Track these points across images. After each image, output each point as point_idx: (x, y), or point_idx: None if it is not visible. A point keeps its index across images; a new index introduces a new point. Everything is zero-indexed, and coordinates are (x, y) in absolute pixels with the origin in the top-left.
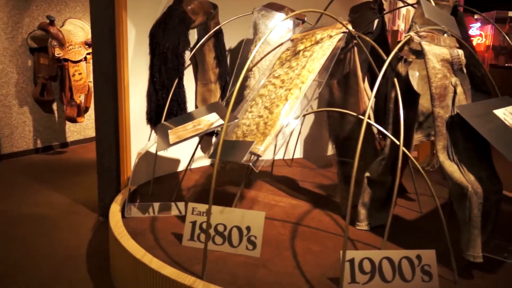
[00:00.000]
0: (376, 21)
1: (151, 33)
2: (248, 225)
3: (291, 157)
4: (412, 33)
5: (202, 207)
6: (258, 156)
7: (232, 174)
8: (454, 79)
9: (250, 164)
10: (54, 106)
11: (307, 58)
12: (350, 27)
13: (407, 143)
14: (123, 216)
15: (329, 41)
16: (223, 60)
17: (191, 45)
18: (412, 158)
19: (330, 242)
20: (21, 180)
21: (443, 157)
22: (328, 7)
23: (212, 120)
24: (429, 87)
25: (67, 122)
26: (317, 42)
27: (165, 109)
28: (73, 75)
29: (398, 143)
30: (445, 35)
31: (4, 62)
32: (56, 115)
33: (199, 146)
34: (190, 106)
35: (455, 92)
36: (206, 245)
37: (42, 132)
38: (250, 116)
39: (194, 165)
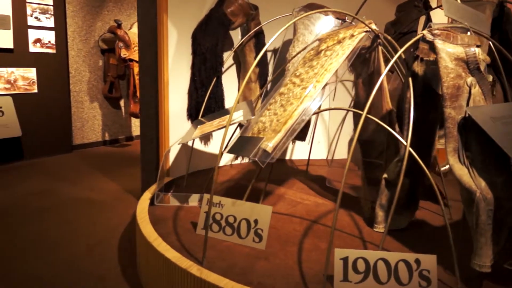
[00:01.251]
0: (422, 19)
1: (193, 34)
2: (256, 218)
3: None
4: (425, 31)
5: (216, 199)
6: (267, 152)
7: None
8: (470, 79)
9: (256, 159)
10: (121, 103)
11: (327, 58)
12: (374, 26)
13: (428, 146)
14: (153, 204)
15: (350, 40)
16: (262, 60)
17: (235, 45)
18: (437, 162)
19: (341, 241)
20: (85, 168)
21: (452, 160)
22: (362, 6)
23: (235, 117)
24: (441, 87)
25: (131, 117)
26: (339, 42)
27: (203, 106)
28: (137, 74)
29: (405, 143)
30: (468, 33)
31: (78, 62)
32: (123, 110)
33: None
34: (230, 104)
35: (470, 93)
36: (207, 233)
37: (110, 126)
38: (267, 113)
39: (236, 161)
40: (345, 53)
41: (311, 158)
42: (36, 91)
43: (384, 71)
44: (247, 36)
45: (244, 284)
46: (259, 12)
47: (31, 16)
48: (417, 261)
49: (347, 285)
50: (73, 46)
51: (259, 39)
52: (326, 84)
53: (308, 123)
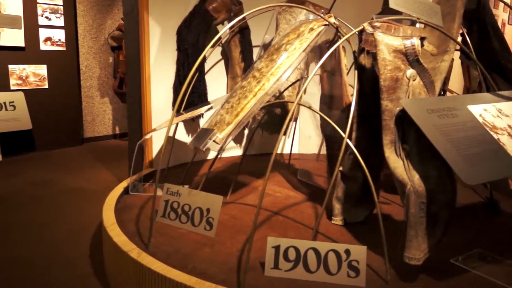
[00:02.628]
0: None
1: (177, 31)
2: (208, 207)
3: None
4: (365, 24)
5: (175, 188)
6: (217, 143)
7: (249, 164)
8: (410, 71)
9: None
10: None
11: (286, 52)
12: (333, 20)
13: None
14: (128, 192)
15: (308, 34)
16: (247, 55)
17: (223, 41)
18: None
19: (293, 232)
20: (90, 160)
21: (389, 152)
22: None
23: (203, 108)
24: (379, 80)
25: None
26: (298, 35)
27: (184, 100)
28: None
29: (344, 135)
30: (418, 25)
31: (88, 59)
32: None
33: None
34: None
35: (409, 85)
36: (152, 219)
37: (120, 120)
38: (227, 106)
39: (225, 154)
40: (302, 47)
41: (302, 152)
42: (47, 86)
43: (318, 62)
44: (230, 31)
45: (179, 268)
46: (243, 8)
47: (42, 16)
48: (347, 252)
49: (277, 273)
50: (84, 44)
51: (244, 34)
52: (299, 80)
53: (284, 117)
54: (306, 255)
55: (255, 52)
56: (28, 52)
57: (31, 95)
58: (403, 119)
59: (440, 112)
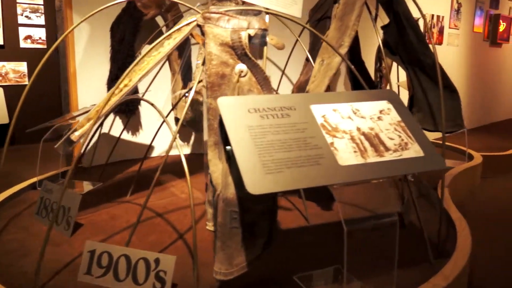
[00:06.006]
0: None
1: (110, 28)
2: (69, 206)
3: None
4: (198, 15)
5: (50, 185)
6: (73, 140)
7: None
8: (238, 67)
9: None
10: None
11: (159, 50)
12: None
13: None
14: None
15: (177, 33)
16: (184, 52)
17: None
18: None
19: (166, 235)
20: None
21: (211, 155)
22: None
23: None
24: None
25: None
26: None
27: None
28: None
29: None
30: (267, 17)
31: None
32: None
33: (178, 135)
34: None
35: (239, 82)
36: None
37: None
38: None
39: (174, 153)
40: (170, 44)
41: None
42: (27, 83)
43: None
44: (162, 26)
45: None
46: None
47: (22, 15)
48: (157, 261)
49: (89, 278)
50: None
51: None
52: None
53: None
54: (118, 262)
55: (194, 49)
56: (8, 50)
57: (11, 91)
58: None
59: (268, 112)
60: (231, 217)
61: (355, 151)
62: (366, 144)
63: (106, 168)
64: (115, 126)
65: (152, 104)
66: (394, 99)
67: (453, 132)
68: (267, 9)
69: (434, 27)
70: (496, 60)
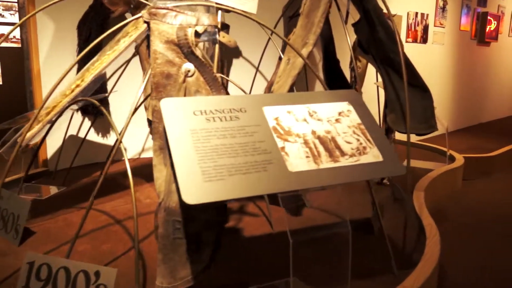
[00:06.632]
0: None
1: (77, 26)
2: (18, 213)
3: None
4: (144, 11)
5: (3, 192)
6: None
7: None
8: (185, 66)
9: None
10: None
11: (114, 48)
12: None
13: None
14: None
15: (133, 31)
16: None
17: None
18: None
19: (120, 243)
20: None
21: (156, 160)
22: None
23: None
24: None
25: None
26: (127, 33)
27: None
28: None
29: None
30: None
31: None
32: None
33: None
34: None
35: (186, 82)
36: None
37: None
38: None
39: (146, 155)
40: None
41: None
42: (0, 83)
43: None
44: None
45: None
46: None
47: None
48: (97, 274)
49: None
50: None
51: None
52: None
53: None
54: (57, 275)
55: None
56: None
57: None
58: None
59: (215, 114)
60: (174, 227)
61: (307, 156)
62: (321, 148)
63: (72, 172)
64: (84, 128)
65: (99, 106)
66: (355, 100)
67: (426, 134)
68: (220, 4)
69: (418, 25)
70: (484, 60)
